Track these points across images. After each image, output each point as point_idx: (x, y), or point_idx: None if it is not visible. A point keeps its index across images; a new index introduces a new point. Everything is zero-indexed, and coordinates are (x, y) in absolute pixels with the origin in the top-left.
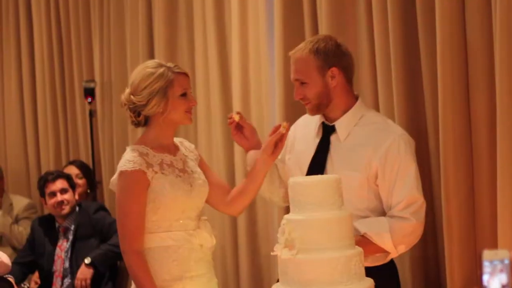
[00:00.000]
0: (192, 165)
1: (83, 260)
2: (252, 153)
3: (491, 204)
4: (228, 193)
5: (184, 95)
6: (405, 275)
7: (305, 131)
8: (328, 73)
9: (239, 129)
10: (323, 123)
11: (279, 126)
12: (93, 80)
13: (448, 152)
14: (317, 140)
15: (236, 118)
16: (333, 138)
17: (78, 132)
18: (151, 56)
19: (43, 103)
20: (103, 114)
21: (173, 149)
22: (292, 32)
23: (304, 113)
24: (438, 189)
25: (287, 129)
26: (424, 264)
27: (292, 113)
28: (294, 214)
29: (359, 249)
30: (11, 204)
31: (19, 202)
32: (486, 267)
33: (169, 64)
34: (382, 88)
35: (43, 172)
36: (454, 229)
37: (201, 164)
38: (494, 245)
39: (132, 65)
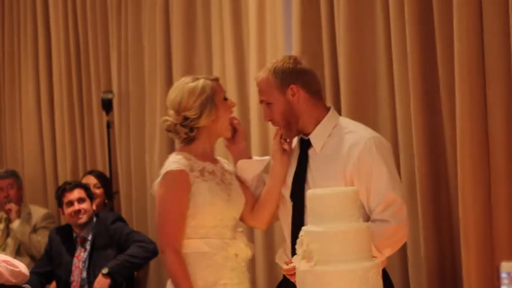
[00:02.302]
0: (230, 178)
1: (100, 270)
2: (242, 163)
3: (509, 215)
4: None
5: (225, 98)
6: (422, 283)
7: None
8: (288, 91)
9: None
10: (300, 138)
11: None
12: (111, 91)
13: (466, 157)
14: (297, 155)
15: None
16: (310, 151)
17: (95, 143)
18: (169, 67)
19: (61, 113)
20: (121, 125)
21: (214, 160)
22: (310, 34)
23: None
24: (456, 200)
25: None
26: (440, 276)
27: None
28: (312, 225)
29: (376, 261)
30: (29, 213)
31: (37, 212)
32: (504, 278)
33: (203, 76)
34: (399, 94)
35: (60, 182)
36: (471, 241)
37: (237, 178)
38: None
39: (149, 76)
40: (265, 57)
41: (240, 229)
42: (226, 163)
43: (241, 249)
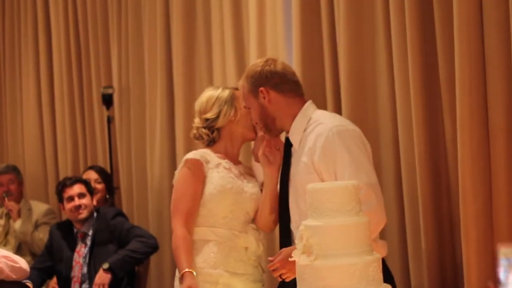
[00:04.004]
0: (250, 179)
1: (101, 266)
2: (254, 165)
3: (509, 208)
4: None
5: (246, 107)
6: (422, 275)
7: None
8: (259, 94)
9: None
10: (286, 138)
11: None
12: (111, 86)
13: (466, 154)
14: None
15: None
16: (292, 149)
17: (96, 138)
18: (169, 61)
19: (61, 108)
20: (121, 120)
21: (236, 161)
22: (310, 32)
23: None
24: (456, 190)
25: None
26: (441, 269)
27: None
28: (312, 220)
29: (377, 255)
30: (29, 209)
31: (38, 208)
32: (503, 264)
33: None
34: (400, 93)
35: (61, 178)
36: (471, 234)
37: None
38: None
39: (150, 71)
40: (265, 51)
41: (254, 226)
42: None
43: (251, 243)
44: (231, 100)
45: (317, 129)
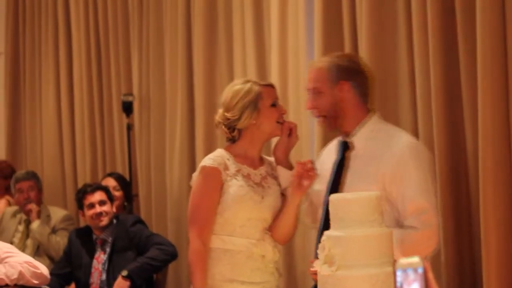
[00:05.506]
0: (272, 182)
1: (119, 273)
2: (278, 169)
3: None
4: None
5: (274, 105)
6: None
7: (329, 157)
8: (338, 86)
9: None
10: (340, 140)
11: (304, 162)
12: (131, 94)
13: (487, 164)
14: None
15: None
16: (349, 153)
17: (115, 146)
18: (190, 69)
19: (81, 115)
20: (141, 128)
21: (257, 163)
22: (332, 36)
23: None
24: (476, 203)
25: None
26: (460, 282)
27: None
28: (335, 230)
29: None
30: (48, 215)
31: (57, 213)
32: None
33: (255, 80)
34: (421, 107)
35: (79, 184)
36: (492, 246)
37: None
38: None
39: (170, 79)
40: (287, 62)
41: (270, 232)
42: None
43: (268, 251)
44: (256, 101)
45: (388, 142)
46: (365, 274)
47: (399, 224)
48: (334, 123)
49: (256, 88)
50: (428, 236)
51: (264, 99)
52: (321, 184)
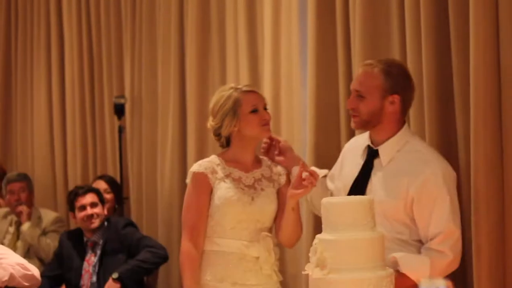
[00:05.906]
0: (266, 184)
1: (110, 275)
2: (294, 171)
3: None
4: None
5: (254, 111)
6: None
7: (353, 154)
8: (389, 97)
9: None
10: (368, 146)
11: (307, 170)
12: (123, 96)
13: (479, 169)
14: (362, 162)
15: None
16: (376, 162)
17: (107, 148)
18: (182, 73)
19: (72, 117)
20: (132, 130)
21: (250, 167)
22: (325, 40)
23: (337, 137)
24: (468, 207)
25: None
26: (451, 282)
27: (323, 136)
28: (327, 234)
29: (390, 270)
30: (39, 217)
31: (48, 215)
32: None
33: (239, 85)
34: (413, 106)
35: (70, 187)
36: (483, 253)
37: (282, 189)
38: None
39: (162, 81)
40: (280, 64)
41: (268, 234)
42: (276, 172)
43: (262, 253)
44: (235, 109)
45: (419, 160)
46: (356, 277)
47: (421, 242)
48: (366, 126)
49: (235, 95)
50: (457, 261)
51: (243, 106)
52: (339, 181)
